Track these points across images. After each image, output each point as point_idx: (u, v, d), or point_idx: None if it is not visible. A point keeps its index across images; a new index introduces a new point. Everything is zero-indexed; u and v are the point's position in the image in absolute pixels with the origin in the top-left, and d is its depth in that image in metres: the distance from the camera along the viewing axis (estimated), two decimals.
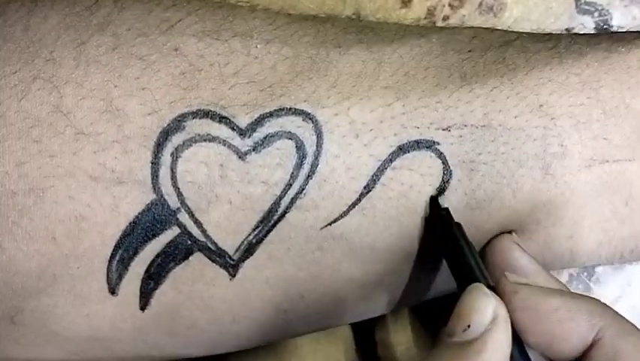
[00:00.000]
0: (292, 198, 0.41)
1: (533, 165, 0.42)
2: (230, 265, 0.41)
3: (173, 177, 0.39)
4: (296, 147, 0.40)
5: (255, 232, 0.40)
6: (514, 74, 0.42)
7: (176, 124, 0.39)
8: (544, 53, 0.42)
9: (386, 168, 0.41)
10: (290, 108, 0.40)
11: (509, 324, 0.33)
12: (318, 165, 0.40)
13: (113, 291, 0.40)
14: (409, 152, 0.41)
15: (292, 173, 0.40)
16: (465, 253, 0.38)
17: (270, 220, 0.40)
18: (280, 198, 0.40)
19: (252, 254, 0.40)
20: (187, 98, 0.39)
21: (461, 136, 0.41)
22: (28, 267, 0.38)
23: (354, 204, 0.41)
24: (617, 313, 0.35)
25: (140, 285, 0.41)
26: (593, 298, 0.36)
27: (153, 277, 0.40)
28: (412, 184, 0.41)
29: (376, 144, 0.41)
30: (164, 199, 0.39)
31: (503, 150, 0.42)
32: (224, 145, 0.39)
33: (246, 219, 0.40)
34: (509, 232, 0.41)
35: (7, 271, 0.38)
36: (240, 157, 0.39)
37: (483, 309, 0.33)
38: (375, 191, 0.41)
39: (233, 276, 0.41)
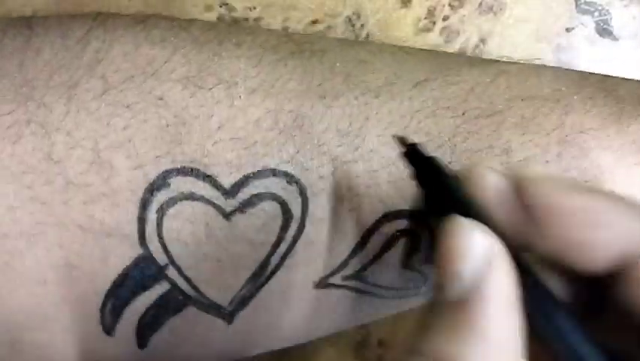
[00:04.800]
0: (281, 258, 0.34)
1: None
2: (226, 314, 0.35)
3: (160, 234, 0.33)
4: (281, 208, 0.33)
5: (247, 287, 0.34)
6: (508, 159, 0.34)
7: (162, 181, 0.32)
8: (542, 140, 0.32)
9: (373, 234, 0.34)
10: (273, 170, 0.33)
11: (508, 262, 0.23)
12: (304, 227, 0.33)
13: (108, 333, 0.35)
14: (394, 220, 0.34)
15: (279, 234, 0.34)
16: (444, 180, 0.27)
17: (261, 277, 0.34)
18: (269, 256, 0.34)
19: (246, 305, 0.35)
20: (172, 153, 0.32)
21: None
22: (22, 306, 0.33)
23: (344, 264, 0.35)
24: None
25: (136, 330, 0.35)
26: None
27: (148, 326, 0.35)
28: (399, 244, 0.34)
29: (361, 210, 0.34)
30: (152, 255, 0.33)
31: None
32: (209, 204, 0.33)
33: (237, 276, 0.34)
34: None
35: (1, 306, 0.32)
36: (224, 217, 0.33)
37: (470, 250, 0.22)
38: (366, 251, 0.34)
39: (230, 323, 0.35)
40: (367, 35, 0.46)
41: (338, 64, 0.34)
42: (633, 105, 0.34)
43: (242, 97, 0.33)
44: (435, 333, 0.22)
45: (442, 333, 0.22)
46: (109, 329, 0.35)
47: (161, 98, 0.32)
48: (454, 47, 0.47)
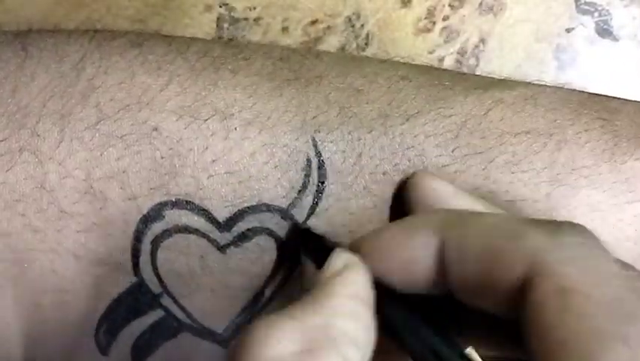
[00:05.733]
0: (276, 288, 0.33)
1: None
2: (221, 340, 0.34)
3: (154, 264, 0.32)
4: (276, 243, 0.32)
5: (243, 315, 0.34)
6: (495, 199, 0.32)
7: (156, 213, 0.31)
8: (532, 179, 0.31)
9: None
10: (268, 205, 0.32)
11: (362, 269, 0.26)
12: (299, 262, 0.32)
13: (104, 353, 0.34)
14: None
15: (273, 267, 0.33)
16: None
17: (256, 306, 0.33)
18: (264, 287, 0.33)
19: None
20: (166, 185, 0.31)
21: None
22: (17, 325, 0.32)
23: None
24: (460, 210, 0.27)
25: (131, 352, 0.34)
26: (436, 209, 0.28)
27: (143, 349, 0.34)
28: None
29: None
30: (146, 284, 0.32)
31: None
32: (204, 237, 0.32)
33: (231, 305, 0.33)
34: None
35: None
36: (219, 250, 0.32)
37: (333, 261, 0.26)
38: None
39: (226, 348, 0.34)
40: (367, 35, 0.44)
41: (333, 93, 0.33)
42: (628, 139, 0.33)
43: (237, 129, 0.31)
44: (294, 306, 0.24)
45: (298, 304, 0.24)
46: (104, 350, 0.34)
47: (155, 129, 0.31)
48: (454, 47, 0.45)
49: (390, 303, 0.25)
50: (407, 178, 0.32)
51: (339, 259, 0.26)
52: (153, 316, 0.33)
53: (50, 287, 0.32)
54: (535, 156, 0.32)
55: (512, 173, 0.32)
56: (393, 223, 0.27)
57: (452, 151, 0.32)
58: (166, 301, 0.33)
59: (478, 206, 0.30)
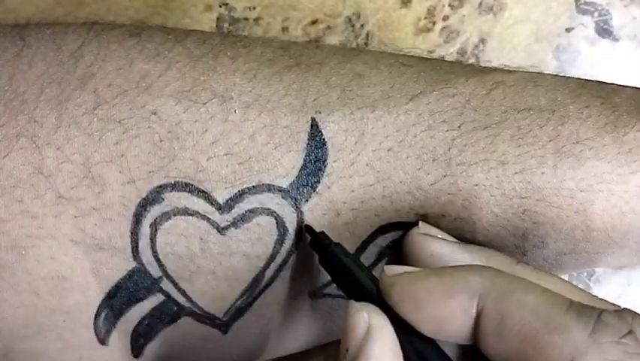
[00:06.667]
0: (276, 271, 0.33)
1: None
2: (221, 325, 0.34)
3: (153, 248, 0.32)
4: (276, 223, 0.32)
5: (242, 299, 0.33)
6: (504, 172, 0.32)
7: (155, 195, 0.31)
8: (538, 151, 0.30)
9: (368, 245, 0.33)
10: (269, 185, 0.31)
11: (386, 330, 0.26)
12: (300, 241, 0.32)
13: (102, 342, 0.33)
14: (389, 232, 0.32)
15: (274, 247, 0.32)
16: (350, 268, 0.30)
17: (256, 289, 0.33)
18: (264, 269, 0.33)
19: (241, 315, 0.34)
20: (165, 168, 0.31)
21: (438, 222, 0.32)
22: (14, 315, 0.31)
23: None
24: (499, 272, 0.26)
25: (130, 340, 0.34)
26: (474, 266, 0.28)
27: (143, 335, 0.34)
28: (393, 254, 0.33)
29: (357, 223, 0.32)
30: (146, 268, 0.32)
31: (482, 240, 0.33)
32: (204, 219, 0.31)
33: (231, 288, 0.33)
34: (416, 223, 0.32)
35: None
36: (219, 231, 0.32)
37: (355, 325, 0.26)
38: None
39: (225, 333, 0.34)
40: (367, 35, 0.44)
41: (334, 78, 0.33)
42: (629, 113, 0.33)
43: (237, 112, 0.31)
44: None
45: None
46: (103, 339, 0.33)
47: (154, 113, 0.31)
48: (454, 47, 0.45)
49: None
50: (405, 233, 0.33)
51: (360, 319, 0.26)
52: (153, 301, 0.33)
53: (48, 274, 0.31)
54: (539, 130, 0.33)
55: (519, 146, 0.33)
56: (429, 273, 0.27)
57: (459, 126, 0.32)
58: (166, 285, 0.33)
59: (478, 262, 0.31)
